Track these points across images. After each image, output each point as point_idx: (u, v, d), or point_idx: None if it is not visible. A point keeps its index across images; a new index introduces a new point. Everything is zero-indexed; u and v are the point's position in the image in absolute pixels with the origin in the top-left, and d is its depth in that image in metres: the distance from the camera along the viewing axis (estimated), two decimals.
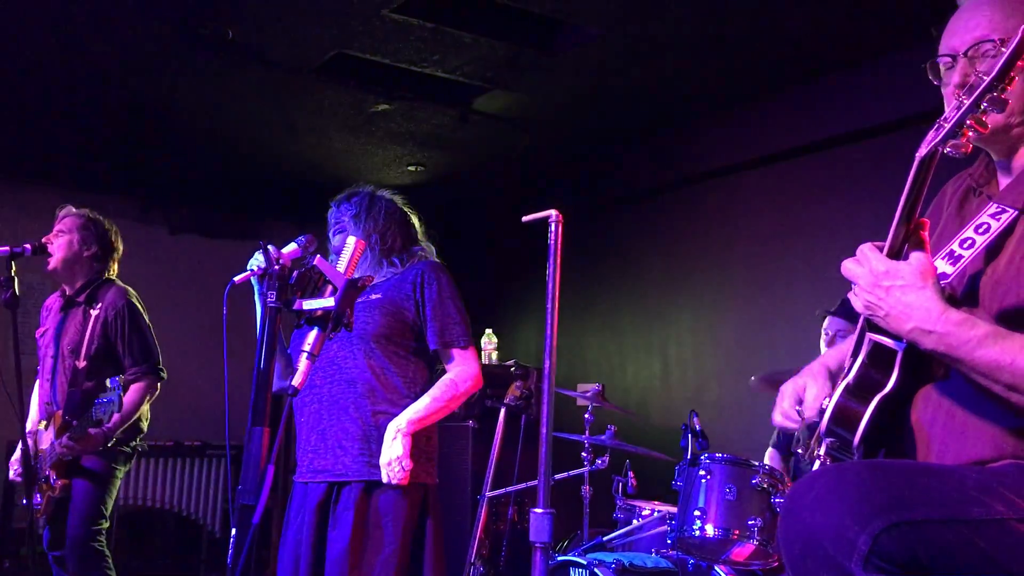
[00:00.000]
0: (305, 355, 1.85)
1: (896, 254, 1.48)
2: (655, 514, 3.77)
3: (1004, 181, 1.62)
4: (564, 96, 5.29)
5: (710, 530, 3.15)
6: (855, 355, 1.58)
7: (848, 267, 1.49)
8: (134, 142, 6.16)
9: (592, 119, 5.68)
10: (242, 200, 7.51)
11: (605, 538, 3.86)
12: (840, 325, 3.91)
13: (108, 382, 3.40)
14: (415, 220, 3.03)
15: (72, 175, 6.78)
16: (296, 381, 1.82)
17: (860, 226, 4.59)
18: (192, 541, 6.45)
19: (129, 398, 3.68)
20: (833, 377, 1.74)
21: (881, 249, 1.49)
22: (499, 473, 4.09)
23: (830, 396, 1.59)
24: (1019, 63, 1.33)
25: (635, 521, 3.84)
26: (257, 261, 2.22)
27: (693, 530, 3.18)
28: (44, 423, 3.78)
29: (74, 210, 3.93)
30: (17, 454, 3.72)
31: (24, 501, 3.54)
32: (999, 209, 1.54)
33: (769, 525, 3.13)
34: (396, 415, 2.66)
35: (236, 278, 2.20)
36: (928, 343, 1.40)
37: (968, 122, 1.36)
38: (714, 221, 5.66)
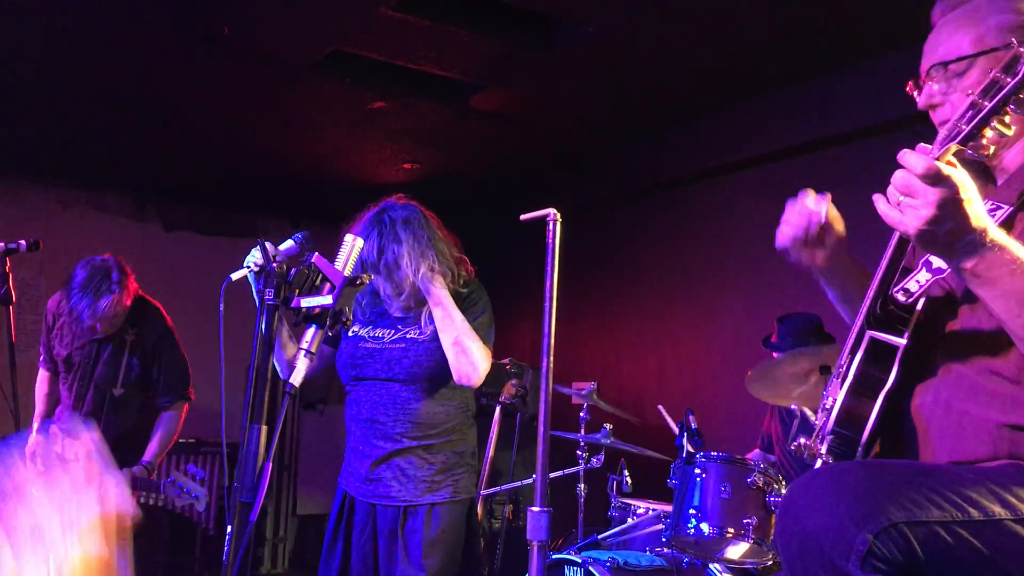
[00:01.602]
0: (303, 353, 1.85)
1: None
2: (650, 512, 3.78)
3: (998, 180, 1.63)
4: (561, 94, 5.29)
5: (705, 528, 3.16)
6: (852, 353, 1.59)
7: (917, 184, 1.34)
8: (129, 139, 6.14)
9: (589, 117, 5.67)
10: (238, 197, 7.49)
11: (600, 536, 3.87)
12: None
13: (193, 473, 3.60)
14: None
15: (67, 172, 6.76)
16: (294, 379, 1.82)
17: (857, 226, 4.59)
18: (187, 539, 6.44)
19: (167, 428, 3.80)
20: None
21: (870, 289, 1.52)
22: (494, 471, 4.09)
23: (834, 395, 1.60)
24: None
25: (630, 519, 3.84)
26: (254, 258, 2.21)
27: (688, 528, 3.18)
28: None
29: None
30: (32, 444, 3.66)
31: None
32: (994, 206, 1.54)
33: (764, 523, 3.13)
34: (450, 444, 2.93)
35: (233, 275, 2.20)
36: (975, 258, 1.36)
37: (992, 122, 1.34)
38: (710, 220, 5.67)
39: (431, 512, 2.82)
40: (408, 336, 2.88)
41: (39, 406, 3.95)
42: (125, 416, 3.73)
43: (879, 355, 1.55)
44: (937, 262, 1.57)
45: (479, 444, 3.12)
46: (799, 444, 1.65)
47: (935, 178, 1.31)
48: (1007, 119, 1.34)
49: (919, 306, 1.57)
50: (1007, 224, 1.50)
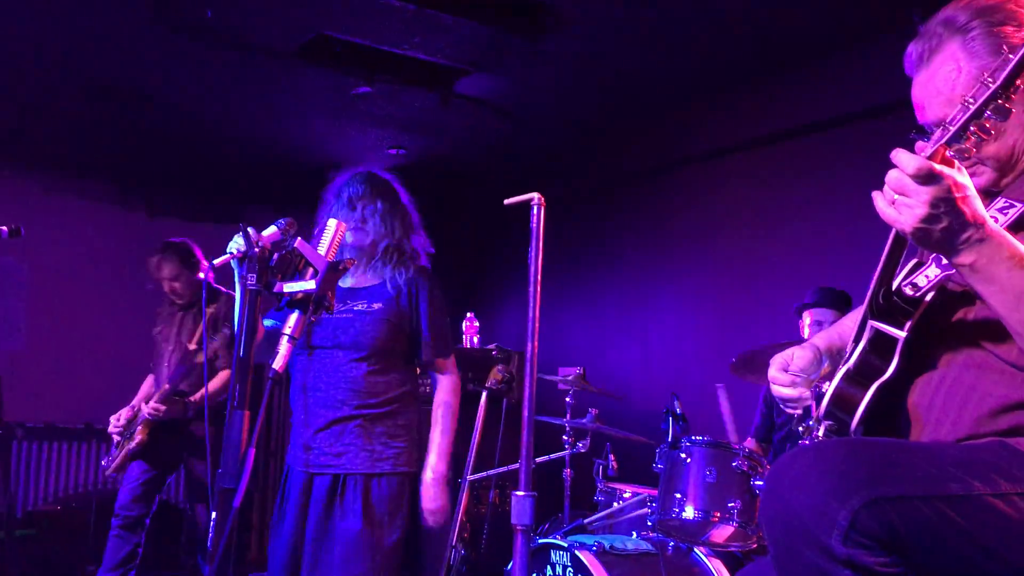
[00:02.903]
0: (286, 338, 1.84)
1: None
2: (636, 497, 3.79)
3: (1007, 181, 1.63)
4: (547, 80, 5.27)
5: (690, 512, 3.17)
6: (856, 341, 1.60)
7: (909, 185, 1.35)
8: (113, 125, 6.09)
9: (575, 103, 5.66)
10: (222, 183, 7.44)
11: (586, 520, 3.88)
12: (823, 315, 3.94)
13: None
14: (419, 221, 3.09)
15: (49, 158, 6.70)
16: (277, 364, 1.81)
17: (842, 211, 4.61)
18: (172, 525, 6.42)
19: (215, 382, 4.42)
20: (821, 354, 1.76)
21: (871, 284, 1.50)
22: (480, 457, 4.10)
23: (830, 379, 1.61)
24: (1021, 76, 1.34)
25: (616, 504, 3.86)
26: (236, 244, 2.18)
27: (673, 512, 3.20)
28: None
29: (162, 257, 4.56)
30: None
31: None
32: (1007, 204, 1.54)
33: (748, 507, 3.15)
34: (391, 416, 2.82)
35: (216, 261, 2.19)
36: (980, 257, 1.36)
37: (972, 128, 1.36)
38: (696, 206, 5.68)
39: (369, 483, 2.75)
40: (356, 308, 2.84)
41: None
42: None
43: (881, 346, 1.56)
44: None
45: (466, 429, 3.12)
46: (806, 426, 1.67)
47: (927, 177, 1.32)
48: (987, 124, 1.36)
49: (928, 299, 1.57)
50: (1018, 223, 1.51)
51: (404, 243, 2.92)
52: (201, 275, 4.51)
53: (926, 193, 1.33)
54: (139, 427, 4.32)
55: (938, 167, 1.33)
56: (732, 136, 5.37)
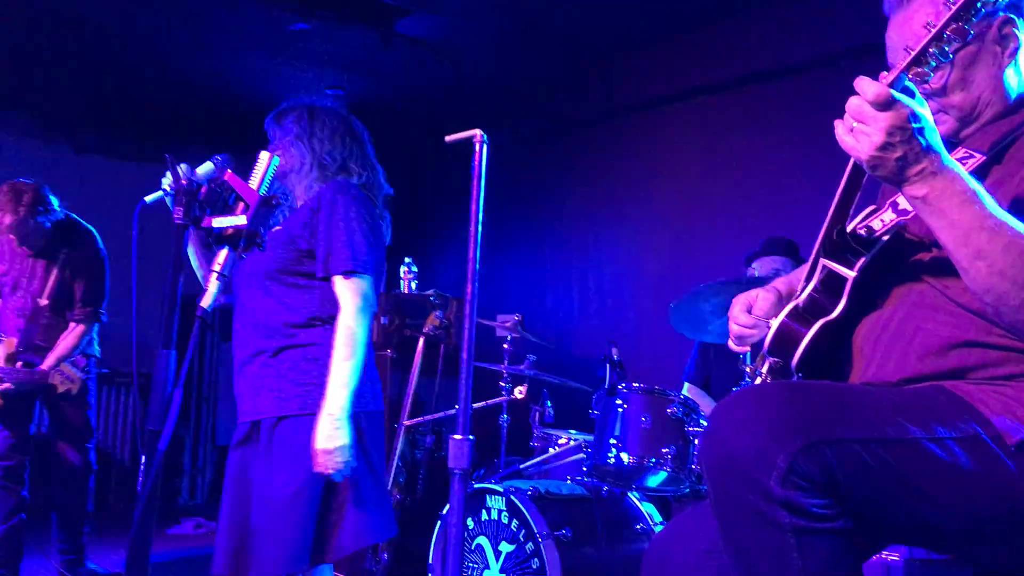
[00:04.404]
0: (215, 275, 1.77)
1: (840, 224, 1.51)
2: (571, 443, 3.81)
3: (967, 132, 1.64)
4: (490, 22, 5.18)
5: (625, 458, 3.20)
6: (808, 280, 1.60)
7: (867, 111, 1.36)
8: (37, 57, 5.82)
9: (517, 48, 5.58)
10: (152, 121, 7.20)
11: (522, 466, 3.90)
12: (781, 264, 3.94)
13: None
14: (364, 136, 2.82)
15: None
16: (205, 302, 1.74)
17: (784, 161, 4.64)
18: (102, 470, 6.31)
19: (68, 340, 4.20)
20: (783, 297, 1.76)
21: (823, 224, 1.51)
22: (417, 402, 4.08)
23: (776, 316, 1.61)
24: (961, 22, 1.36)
25: (552, 449, 3.88)
26: (169, 180, 2.08)
27: (608, 458, 3.23)
28: None
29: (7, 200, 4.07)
30: None
31: None
32: (966, 154, 1.56)
33: (682, 453, 3.19)
34: (296, 347, 2.50)
35: (147, 198, 2.09)
36: (932, 190, 1.37)
37: (932, 50, 1.39)
38: (638, 153, 5.66)
39: (276, 426, 2.43)
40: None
41: None
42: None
43: (830, 285, 1.57)
44: (903, 204, 1.58)
45: (403, 374, 2.99)
46: (752, 368, 1.67)
47: (885, 104, 1.33)
48: (951, 42, 1.39)
49: (882, 241, 1.58)
50: (979, 173, 1.51)
51: (326, 158, 2.63)
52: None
53: (884, 120, 1.34)
54: None
55: (897, 95, 1.34)
56: (676, 84, 5.35)
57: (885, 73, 1.42)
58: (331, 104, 2.81)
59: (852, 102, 1.37)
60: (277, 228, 2.56)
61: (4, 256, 4.23)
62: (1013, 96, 1.60)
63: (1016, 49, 1.59)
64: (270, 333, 2.50)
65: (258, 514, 2.40)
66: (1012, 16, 1.57)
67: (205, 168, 2.01)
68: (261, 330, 2.51)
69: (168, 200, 2.06)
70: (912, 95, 1.42)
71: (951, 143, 1.61)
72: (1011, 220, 1.37)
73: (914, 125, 1.35)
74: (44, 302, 4.12)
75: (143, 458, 1.71)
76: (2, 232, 4.10)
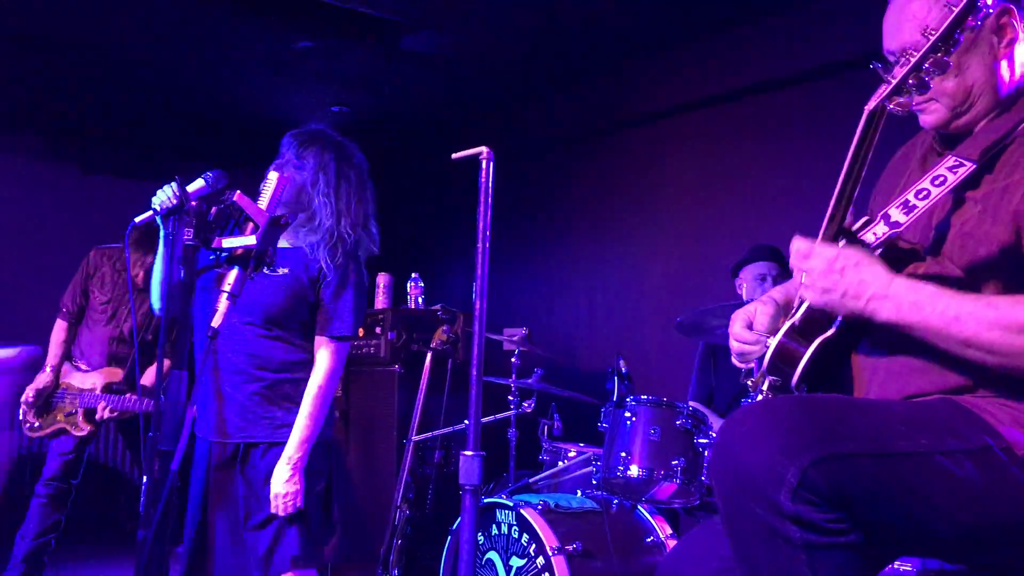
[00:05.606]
0: (225, 295, 1.78)
1: (837, 232, 1.57)
2: (580, 456, 3.81)
3: (957, 124, 1.64)
4: (494, 37, 5.19)
5: (634, 471, 3.19)
6: (803, 297, 1.60)
7: (801, 264, 1.55)
8: (45, 78, 5.86)
9: (522, 62, 5.60)
10: (159, 141, 7.24)
11: (531, 480, 3.89)
12: (767, 269, 3.95)
13: None
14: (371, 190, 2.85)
15: None
16: (216, 322, 1.75)
17: (786, 172, 4.64)
18: (112, 489, 6.31)
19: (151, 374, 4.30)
20: (780, 308, 1.76)
21: (820, 232, 1.58)
22: (425, 417, 4.07)
23: (775, 333, 1.61)
24: (961, 30, 1.37)
25: (561, 463, 3.88)
26: (160, 199, 2.07)
27: (618, 471, 3.22)
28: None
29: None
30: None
31: None
32: (956, 162, 1.56)
33: (692, 465, 3.18)
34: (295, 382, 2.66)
35: (137, 219, 2.10)
36: (884, 311, 1.46)
37: (910, 80, 1.41)
38: (642, 165, 5.67)
39: (267, 453, 2.63)
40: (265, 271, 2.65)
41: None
42: None
43: None
44: (895, 215, 1.59)
45: (411, 390, 3.04)
46: (753, 381, 1.67)
47: (805, 256, 1.53)
48: (925, 78, 1.46)
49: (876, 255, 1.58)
50: (970, 182, 1.52)
51: (346, 235, 2.69)
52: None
53: (814, 270, 1.52)
54: (81, 418, 4.15)
55: (817, 248, 1.52)
56: (679, 96, 5.35)
57: (884, 86, 1.44)
58: (350, 148, 2.81)
59: (791, 259, 1.57)
60: (284, 271, 2.62)
61: (107, 285, 4.34)
62: (1006, 89, 1.60)
63: (1012, 40, 1.59)
64: (267, 364, 2.63)
65: (259, 534, 2.54)
66: (1011, 7, 1.58)
67: (197, 185, 2.01)
68: (258, 360, 2.63)
69: (158, 219, 2.07)
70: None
71: (942, 136, 1.62)
72: (970, 300, 1.43)
73: (837, 265, 1.49)
74: (149, 337, 4.28)
75: (144, 478, 1.72)
76: (144, 270, 4.24)
